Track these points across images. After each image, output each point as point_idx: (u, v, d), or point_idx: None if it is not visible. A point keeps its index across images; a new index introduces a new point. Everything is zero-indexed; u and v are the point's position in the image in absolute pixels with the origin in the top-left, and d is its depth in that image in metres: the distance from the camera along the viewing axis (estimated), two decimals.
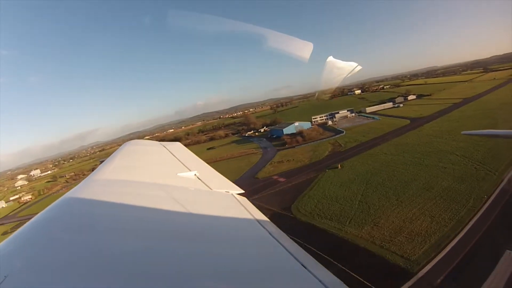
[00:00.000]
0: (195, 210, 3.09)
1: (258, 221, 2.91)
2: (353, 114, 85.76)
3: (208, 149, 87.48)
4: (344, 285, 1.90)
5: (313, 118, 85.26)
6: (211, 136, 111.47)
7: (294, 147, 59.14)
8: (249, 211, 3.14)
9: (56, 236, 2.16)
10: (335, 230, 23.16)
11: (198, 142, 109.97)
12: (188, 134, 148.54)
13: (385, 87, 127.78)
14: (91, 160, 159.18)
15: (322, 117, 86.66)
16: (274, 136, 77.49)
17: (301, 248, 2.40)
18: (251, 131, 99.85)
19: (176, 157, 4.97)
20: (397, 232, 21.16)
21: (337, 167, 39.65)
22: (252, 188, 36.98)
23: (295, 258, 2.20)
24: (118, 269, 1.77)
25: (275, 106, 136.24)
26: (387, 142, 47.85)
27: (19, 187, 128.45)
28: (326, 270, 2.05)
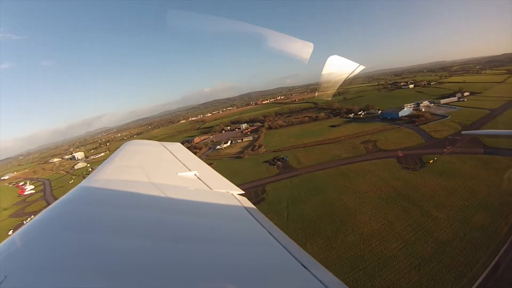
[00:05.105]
0: (195, 210, 3.23)
1: (258, 221, 2.97)
2: (433, 104, 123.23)
3: (330, 126, 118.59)
4: (344, 285, 2.01)
5: (405, 105, 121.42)
6: (312, 117, 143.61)
7: (426, 123, 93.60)
8: (249, 211, 3.22)
9: (56, 236, 2.20)
10: None
11: (302, 122, 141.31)
12: (266, 116, 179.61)
13: (431, 83, 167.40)
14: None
15: (411, 105, 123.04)
16: (389, 118, 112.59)
17: (301, 248, 2.48)
18: (351, 113, 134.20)
19: (176, 157, 5.15)
20: None
21: None
22: (448, 142, 72.54)
23: (295, 258, 2.24)
24: (118, 269, 1.83)
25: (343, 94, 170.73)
26: (494, 120, 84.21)
27: (90, 169, 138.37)
28: (326, 270, 2.12)
